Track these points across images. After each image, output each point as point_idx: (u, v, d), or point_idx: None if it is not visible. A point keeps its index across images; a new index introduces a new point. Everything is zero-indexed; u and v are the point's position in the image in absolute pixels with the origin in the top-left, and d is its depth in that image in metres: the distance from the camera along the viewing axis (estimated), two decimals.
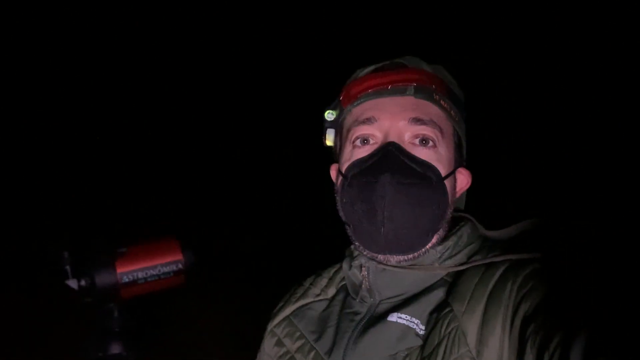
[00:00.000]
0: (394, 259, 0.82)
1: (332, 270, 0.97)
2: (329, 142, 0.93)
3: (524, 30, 2.95)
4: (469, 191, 0.94)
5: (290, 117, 3.64)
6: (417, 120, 0.82)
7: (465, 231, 0.86)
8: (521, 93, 3.09)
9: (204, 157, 4.57)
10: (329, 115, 0.91)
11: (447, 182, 0.82)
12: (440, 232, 0.84)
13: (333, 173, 0.90)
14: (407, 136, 0.82)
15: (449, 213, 0.84)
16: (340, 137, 0.90)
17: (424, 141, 0.82)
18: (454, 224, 0.87)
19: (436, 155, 0.82)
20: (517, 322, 0.68)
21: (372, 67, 0.90)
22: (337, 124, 0.92)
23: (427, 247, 0.82)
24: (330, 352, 0.83)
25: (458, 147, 0.87)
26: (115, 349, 0.91)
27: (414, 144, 0.82)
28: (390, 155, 0.80)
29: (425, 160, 0.81)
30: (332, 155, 0.93)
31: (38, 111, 4.22)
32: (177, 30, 3.86)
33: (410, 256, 0.81)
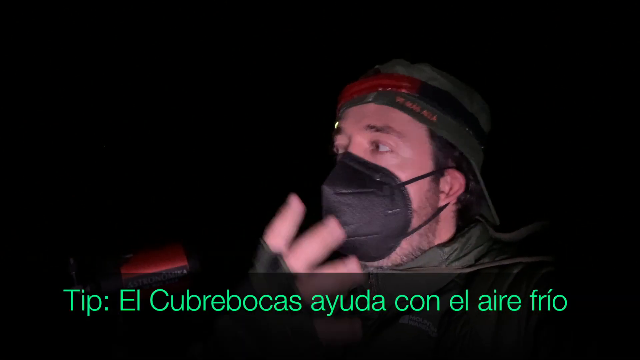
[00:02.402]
0: (384, 264, 0.82)
1: None
2: None
3: (520, 28, 2.95)
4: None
5: (295, 123, 3.65)
6: (371, 127, 0.83)
7: (474, 233, 0.86)
8: (520, 93, 3.09)
9: (210, 163, 4.58)
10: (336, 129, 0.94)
11: (412, 187, 0.82)
12: (416, 237, 0.83)
13: None
14: (365, 143, 0.83)
15: (420, 218, 0.83)
16: None
17: (380, 147, 0.82)
18: (466, 226, 0.87)
19: (396, 160, 0.82)
20: (532, 326, 0.68)
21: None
22: None
23: (400, 252, 0.82)
24: (342, 357, 0.83)
25: (441, 149, 0.86)
26: (120, 355, 0.91)
27: (372, 150, 0.82)
28: (339, 165, 0.82)
29: (378, 166, 0.81)
30: None
31: (44, 115, 4.24)
32: (180, 35, 3.88)
33: (388, 261, 0.81)
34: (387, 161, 0.82)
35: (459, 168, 0.87)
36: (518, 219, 0.90)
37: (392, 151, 0.82)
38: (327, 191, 0.79)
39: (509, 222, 0.89)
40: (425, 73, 0.87)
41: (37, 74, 3.92)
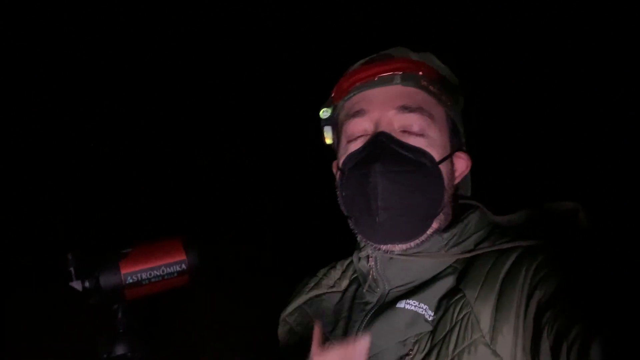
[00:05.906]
0: (397, 247, 0.82)
1: (346, 263, 0.98)
2: (328, 139, 0.94)
3: (517, 21, 2.95)
4: (473, 177, 0.94)
5: (296, 119, 3.65)
6: (405, 108, 0.83)
7: (472, 218, 0.87)
8: (515, 82, 3.09)
9: (210, 159, 4.59)
10: (324, 113, 0.93)
11: (442, 167, 0.83)
12: (441, 217, 0.85)
13: (335, 170, 0.91)
14: (397, 125, 0.84)
15: (447, 197, 0.85)
16: (337, 133, 0.92)
17: (414, 128, 0.82)
18: (463, 211, 0.88)
19: (428, 141, 0.83)
20: (532, 308, 0.68)
21: (361, 62, 0.91)
22: (332, 121, 0.93)
23: (428, 232, 0.83)
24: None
25: (453, 131, 0.88)
26: (120, 350, 0.91)
27: (404, 131, 0.83)
28: (380, 145, 0.81)
29: (417, 146, 0.82)
30: (333, 152, 0.94)
31: (43, 113, 4.24)
32: (182, 35, 3.88)
33: (413, 244, 0.82)
34: (418, 142, 0.82)
35: (465, 150, 0.90)
36: (517, 202, 0.90)
37: (423, 132, 0.83)
38: (380, 169, 0.78)
39: (507, 205, 0.90)
40: (434, 61, 0.90)
41: (40, 77, 3.92)
